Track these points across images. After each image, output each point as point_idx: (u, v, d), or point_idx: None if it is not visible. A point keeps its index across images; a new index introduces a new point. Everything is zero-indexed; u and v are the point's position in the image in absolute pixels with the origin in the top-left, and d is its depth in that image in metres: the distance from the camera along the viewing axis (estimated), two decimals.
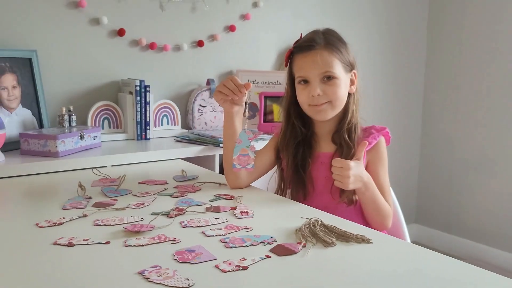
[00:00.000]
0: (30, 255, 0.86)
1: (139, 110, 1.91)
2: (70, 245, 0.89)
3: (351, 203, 1.30)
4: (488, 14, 2.73)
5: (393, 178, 1.40)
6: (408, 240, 1.42)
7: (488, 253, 2.81)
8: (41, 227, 0.99)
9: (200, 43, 2.16)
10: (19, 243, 0.93)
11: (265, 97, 2.13)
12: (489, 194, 2.82)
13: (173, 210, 1.10)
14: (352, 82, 1.33)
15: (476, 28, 2.79)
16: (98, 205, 1.15)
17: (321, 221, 0.99)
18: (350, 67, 1.31)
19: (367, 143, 1.28)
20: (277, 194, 1.38)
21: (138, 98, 1.90)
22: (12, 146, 1.63)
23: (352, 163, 1.19)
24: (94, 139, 1.72)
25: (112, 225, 1.00)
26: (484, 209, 2.84)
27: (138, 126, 1.92)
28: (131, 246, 0.89)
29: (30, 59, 1.75)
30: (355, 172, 1.19)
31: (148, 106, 1.93)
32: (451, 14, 2.91)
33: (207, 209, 1.12)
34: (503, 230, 2.76)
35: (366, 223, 1.30)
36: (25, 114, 1.73)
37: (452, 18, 2.90)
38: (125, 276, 0.77)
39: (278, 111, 2.13)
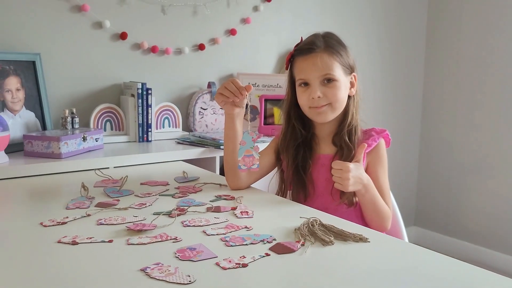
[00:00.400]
0: (35, 253, 0.88)
1: (141, 112, 1.93)
2: (74, 243, 0.91)
3: (351, 205, 1.31)
4: (487, 16, 2.75)
5: (392, 181, 1.41)
6: None
7: (486, 255, 2.82)
8: (45, 226, 1.01)
9: (201, 47, 2.19)
10: (24, 241, 0.94)
11: (266, 100, 2.15)
12: (487, 196, 2.83)
13: (175, 210, 1.11)
14: (352, 85, 1.34)
15: (475, 31, 2.81)
16: (101, 205, 1.16)
17: (320, 221, 1.01)
18: (350, 69, 1.33)
19: (366, 145, 1.29)
20: (277, 195, 1.39)
21: (140, 100, 1.92)
22: (15, 148, 1.65)
23: (351, 165, 1.20)
24: (96, 141, 1.74)
25: (115, 224, 1.02)
26: (483, 211, 2.85)
27: (140, 128, 1.94)
28: (133, 244, 0.91)
29: (33, 62, 1.77)
30: (354, 174, 1.20)
31: (149, 108, 1.94)
32: (450, 16, 2.92)
33: (208, 209, 1.14)
34: (501, 232, 2.77)
35: (366, 224, 1.31)
36: (29, 116, 1.75)
37: (451, 21, 2.92)
38: (128, 273, 0.79)
39: (278, 114, 2.14)
